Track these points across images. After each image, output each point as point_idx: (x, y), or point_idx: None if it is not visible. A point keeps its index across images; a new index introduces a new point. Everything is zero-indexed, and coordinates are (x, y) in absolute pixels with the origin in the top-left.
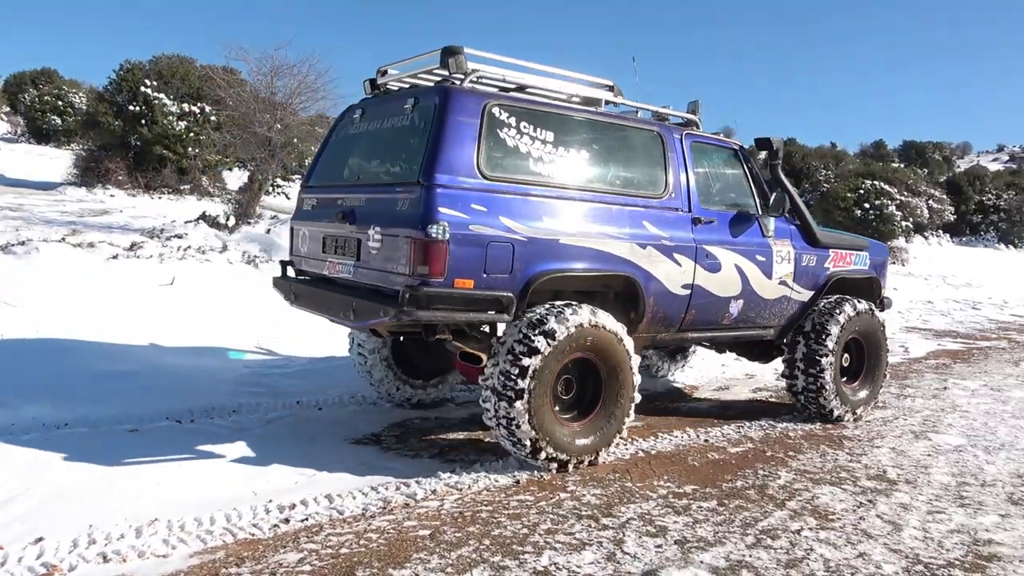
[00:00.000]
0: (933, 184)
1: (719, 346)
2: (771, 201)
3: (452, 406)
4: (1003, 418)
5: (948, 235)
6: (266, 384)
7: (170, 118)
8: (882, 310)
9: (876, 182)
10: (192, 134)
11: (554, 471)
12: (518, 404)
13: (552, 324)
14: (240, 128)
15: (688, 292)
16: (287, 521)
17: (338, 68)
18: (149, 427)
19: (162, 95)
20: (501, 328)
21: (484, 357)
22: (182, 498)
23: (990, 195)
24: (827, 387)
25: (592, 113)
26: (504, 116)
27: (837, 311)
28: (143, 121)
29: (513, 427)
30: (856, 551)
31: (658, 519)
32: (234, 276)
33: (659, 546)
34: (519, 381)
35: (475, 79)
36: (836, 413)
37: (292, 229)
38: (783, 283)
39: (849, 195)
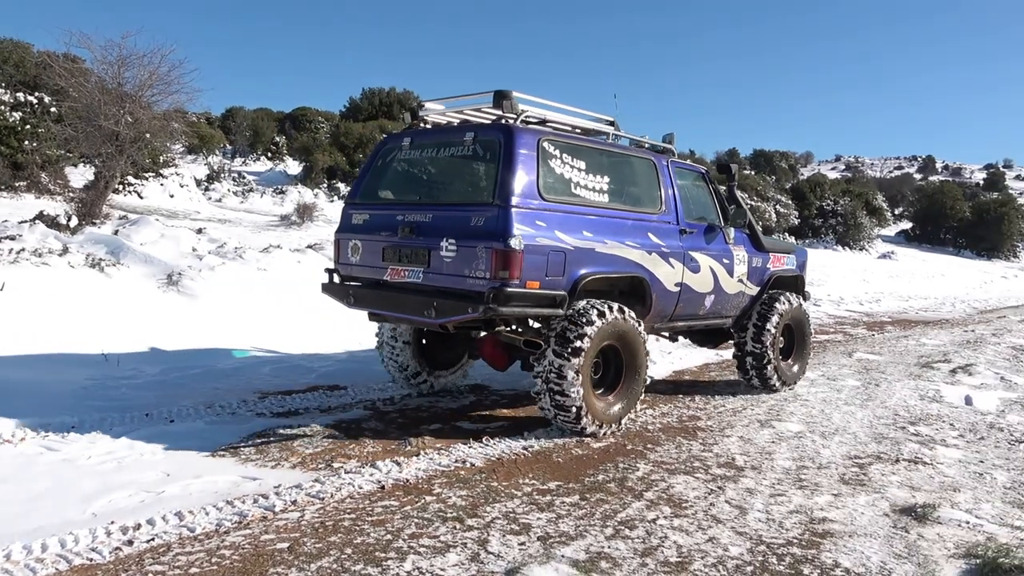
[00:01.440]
0: (780, 190)
1: (676, 335)
2: (732, 215)
3: (317, 412)
4: (837, 405)
5: (793, 238)
6: (112, 397)
7: (1, 108)
8: (805, 301)
9: None
10: (28, 126)
11: (588, 435)
12: (570, 376)
13: (595, 316)
14: (84, 121)
15: (678, 289)
16: (131, 543)
17: (196, 60)
18: None
19: None
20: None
21: (542, 343)
22: (9, 525)
23: (829, 200)
24: (770, 365)
25: (610, 145)
26: (552, 149)
27: (776, 303)
28: None
29: (563, 398)
30: (706, 536)
31: (522, 517)
32: (76, 281)
33: (523, 543)
34: (572, 359)
35: (525, 118)
36: (776, 385)
37: (338, 241)
38: (740, 281)
39: None
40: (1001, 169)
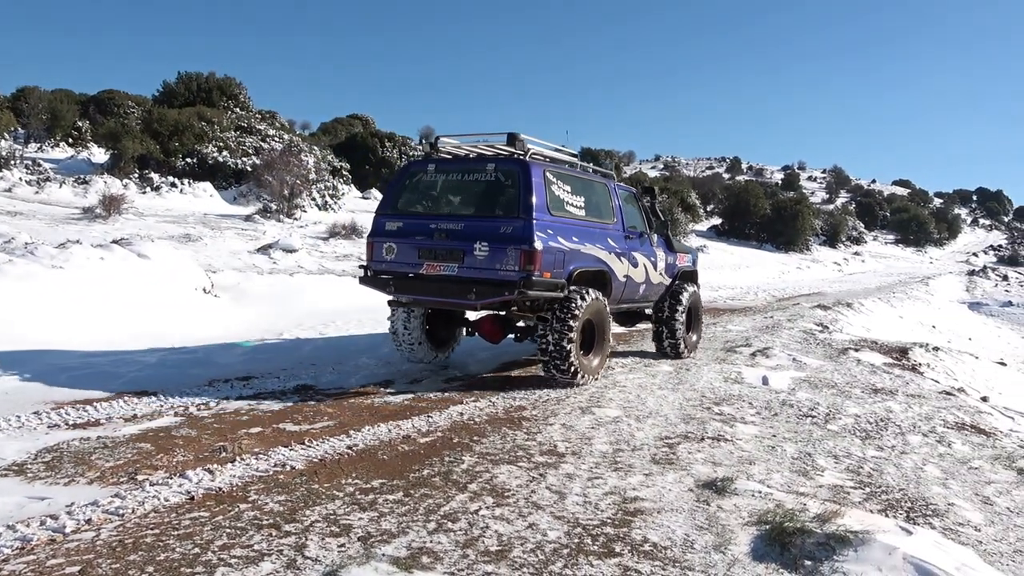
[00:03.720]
0: None
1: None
2: (656, 225)
3: (121, 422)
4: (652, 390)
5: None
6: None
7: None
8: (697, 289)
9: None
10: None
11: (577, 382)
12: (569, 341)
13: (585, 297)
14: None
15: (626, 280)
16: None
17: None
18: None
19: None
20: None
21: (550, 317)
22: None
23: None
24: (680, 337)
25: (582, 172)
26: (552, 176)
27: (683, 290)
28: None
29: (564, 356)
30: (527, 523)
31: (343, 518)
32: None
33: (342, 545)
34: (571, 323)
35: (532, 155)
36: (684, 352)
37: (372, 243)
38: (661, 274)
39: None
40: (796, 171)
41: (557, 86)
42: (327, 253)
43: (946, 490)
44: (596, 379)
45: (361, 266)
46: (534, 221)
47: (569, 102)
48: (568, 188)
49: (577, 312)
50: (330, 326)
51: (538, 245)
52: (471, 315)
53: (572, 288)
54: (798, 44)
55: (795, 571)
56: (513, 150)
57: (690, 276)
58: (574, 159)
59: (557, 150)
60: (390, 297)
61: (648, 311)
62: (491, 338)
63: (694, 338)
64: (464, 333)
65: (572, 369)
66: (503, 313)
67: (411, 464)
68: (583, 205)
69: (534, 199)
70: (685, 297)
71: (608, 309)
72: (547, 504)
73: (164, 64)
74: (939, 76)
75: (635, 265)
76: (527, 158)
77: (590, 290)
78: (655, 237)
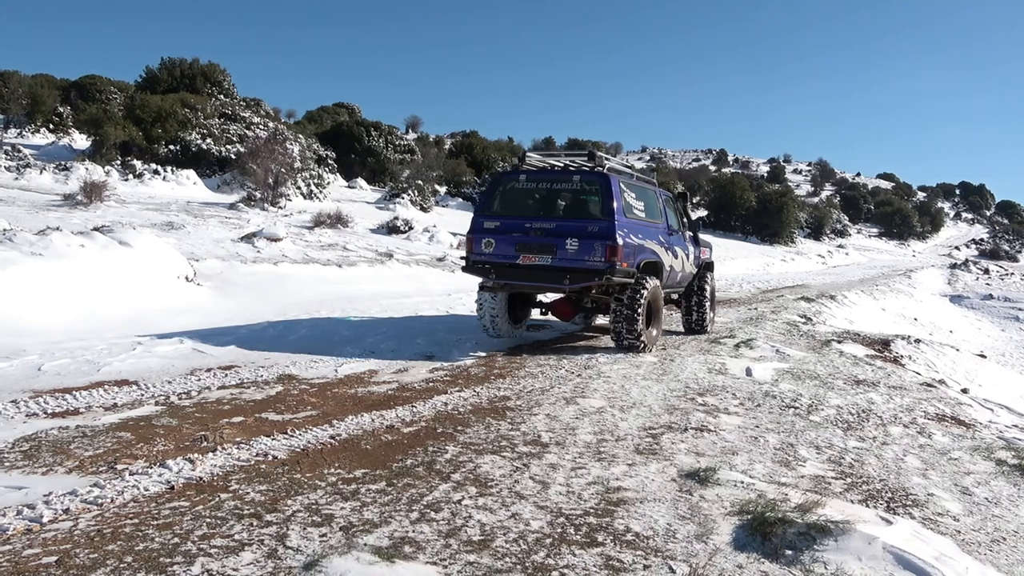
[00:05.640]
0: None
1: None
2: (688, 223)
3: (101, 411)
4: (636, 380)
5: None
6: None
7: None
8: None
9: None
10: None
11: (643, 349)
12: (639, 316)
13: (648, 283)
14: None
15: (670, 268)
16: None
17: None
18: None
19: None
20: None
21: (623, 298)
22: None
23: None
24: (706, 316)
25: (640, 182)
26: (623, 186)
27: (707, 277)
28: None
29: (634, 329)
30: (509, 512)
31: (325, 508)
32: None
33: (324, 535)
34: (639, 301)
35: (609, 168)
36: (707, 328)
37: (471, 239)
38: (692, 264)
39: None
40: (782, 163)
41: (544, 76)
42: (312, 242)
43: (926, 481)
44: (654, 346)
45: (462, 257)
46: (616, 222)
47: (557, 92)
48: (633, 195)
49: (645, 294)
50: (314, 315)
51: (619, 241)
52: (543, 298)
53: (639, 275)
54: (786, 39)
55: (776, 561)
56: (593, 164)
57: (709, 266)
58: (631, 170)
59: (608, 158)
60: (481, 281)
61: (674, 296)
62: (564, 317)
63: (712, 315)
64: (538, 313)
65: (640, 339)
66: (573, 296)
67: (394, 454)
68: (643, 208)
69: (615, 204)
70: (708, 283)
71: (661, 292)
72: (530, 494)
73: (147, 50)
74: (925, 71)
75: (675, 257)
76: (607, 171)
77: (651, 277)
78: (687, 234)
